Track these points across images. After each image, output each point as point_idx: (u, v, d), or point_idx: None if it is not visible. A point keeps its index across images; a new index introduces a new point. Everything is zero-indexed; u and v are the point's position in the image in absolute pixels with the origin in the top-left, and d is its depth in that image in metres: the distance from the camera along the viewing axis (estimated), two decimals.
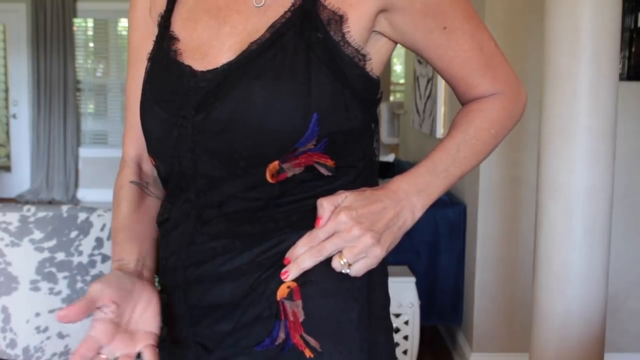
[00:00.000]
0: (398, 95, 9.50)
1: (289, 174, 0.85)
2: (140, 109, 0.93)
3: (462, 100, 0.97)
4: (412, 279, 2.91)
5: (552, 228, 2.11)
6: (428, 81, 4.06)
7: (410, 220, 0.88)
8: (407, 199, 0.87)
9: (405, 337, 2.91)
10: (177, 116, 0.86)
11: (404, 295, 2.88)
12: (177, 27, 0.93)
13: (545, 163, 2.12)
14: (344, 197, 0.85)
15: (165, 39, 0.93)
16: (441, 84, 3.73)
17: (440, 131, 3.75)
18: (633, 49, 3.00)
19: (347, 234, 0.83)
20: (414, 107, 4.62)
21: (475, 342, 3.13)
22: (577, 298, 2.09)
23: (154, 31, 0.96)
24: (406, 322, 2.90)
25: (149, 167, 1.02)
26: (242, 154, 0.84)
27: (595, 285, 2.10)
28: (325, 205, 0.84)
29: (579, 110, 2.04)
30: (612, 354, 2.86)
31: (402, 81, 6.78)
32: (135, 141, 1.01)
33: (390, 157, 4.76)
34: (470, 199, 3.20)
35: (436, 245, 3.21)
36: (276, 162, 0.84)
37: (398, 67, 9.32)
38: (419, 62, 4.41)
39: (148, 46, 0.96)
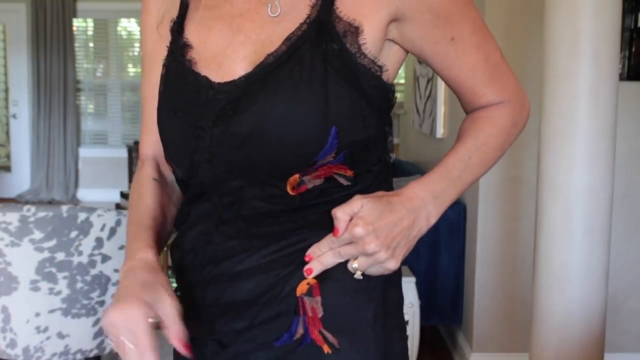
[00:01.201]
0: (398, 95, 9.50)
1: (309, 185, 0.86)
2: (157, 116, 0.93)
3: (467, 109, 0.98)
4: (412, 279, 2.91)
5: (552, 228, 2.11)
6: (428, 81, 4.06)
7: (425, 227, 0.88)
8: (424, 207, 0.87)
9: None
10: (195, 127, 0.87)
11: (404, 295, 2.88)
12: (190, 33, 0.93)
13: (545, 163, 2.12)
14: (360, 206, 0.84)
15: (178, 45, 0.93)
16: (441, 84, 3.73)
17: (440, 131, 3.74)
18: (633, 49, 3.00)
19: (363, 247, 0.84)
20: (414, 107, 4.62)
21: (475, 342, 3.13)
22: (577, 298, 2.09)
23: (167, 36, 0.96)
24: (406, 322, 2.90)
25: (166, 168, 1.02)
26: (261, 167, 0.84)
27: (595, 285, 2.10)
28: (339, 217, 0.84)
29: (579, 111, 2.04)
30: (612, 354, 2.86)
31: (402, 81, 6.78)
32: (152, 144, 1.02)
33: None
34: (470, 198, 3.20)
35: (436, 245, 3.21)
36: (296, 176, 0.85)
37: None
38: (419, 62, 4.41)
39: (162, 50, 0.97)
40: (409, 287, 2.90)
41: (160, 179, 1.01)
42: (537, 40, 2.79)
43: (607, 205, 2.10)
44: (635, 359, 3.14)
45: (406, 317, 2.88)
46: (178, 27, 0.94)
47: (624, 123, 2.94)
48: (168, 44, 0.95)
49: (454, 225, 3.23)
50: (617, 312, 3.09)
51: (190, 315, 0.94)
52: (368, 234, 0.83)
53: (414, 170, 4.14)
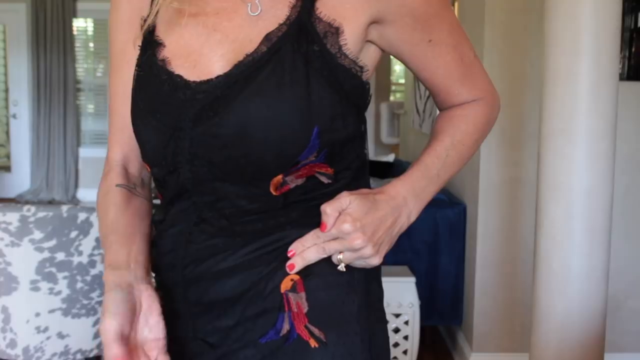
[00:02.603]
0: (398, 95, 9.50)
1: (292, 185, 0.87)
2: (132, 118, 0.92)
3: (441, 106, 1.01)
4: (412, 279, 2.91)
5: (552, 228, 2.11)
6: None
7: (406, 225, 0.92)
8: (405, 205, 0.91)
9: (405, 337, 2.91)
10: (174, 128, 0.86)
11: (404, 295, 2.88)
12: (162, 31, 0.92)
13: (545, 163, 2.12)
14: (348, 202, 0.86)
15: (150, 44, 0.91)
16: None
17: None
18: (633, 49, 3.00)
19: (350, 243, 0.86)
20: (414, 107, 4.62)
21: (475, 342, 3.13)
22: (577, 298, 2.09)
23: (138, 34, 0.94)
24: (406, 322, 2.90)
25: (135, 169, 1.01)
26: (244, 168, 0.84)
27: (596, 285, 2.10)
28: (329, 212, 0.86)
29: (579, 110, 2.04)
30: (612, 354, 2.86)
31: (402, 81, 6.78)
32: (122, 145, 1.00)
33: (390, 157, 4.76)
34: (470, 199, 3.20)
35: (436, 245, 3.21)
36: (280, 176, 0.85)
37: (398, 67, 9.31)
38: None
39: (132, 50, 0.95)
40: (409, 287, 2.90)
41: (127, 184, 0.98)
42: (537, 39, 2.79)
43: (608, 205, 2.10)
44: (636, 359, 3.14)
45: (406, 317, 2.88)
46: (149, 26, 0.93)
47: (624, 123, 2.94)
48: (139, 43, 0.93)
49: (454, 225, 3.23)
50: (617, 312, 3.09)
51: (173, 314, 0.93)
52: (356, 230, 0.85)
53: None
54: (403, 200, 0.90)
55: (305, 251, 0.87)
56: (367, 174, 0.99)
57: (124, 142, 0.99)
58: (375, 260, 0.88)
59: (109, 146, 1.02)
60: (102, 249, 0.93)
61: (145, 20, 0.94)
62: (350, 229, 0.85)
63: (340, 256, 0.87)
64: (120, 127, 0.99)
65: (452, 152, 0.96)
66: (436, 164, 0.94)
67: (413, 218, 0.92)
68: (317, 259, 0.87)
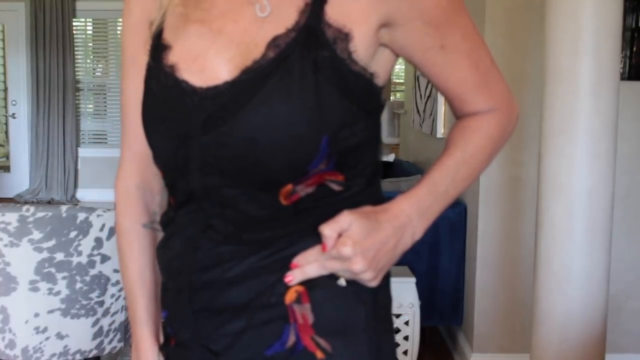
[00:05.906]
0: (398, 95, 9.51)
1: (302, 194, 0.85)
2: (143, 124, 0.91)
3: (456, 114, 0.98)
4: (412, 279, 2.90)
5: (553, 228, 2.10)
6: (428, 81, 4.05)
7: (409, 244, 0.89)
8: (409, 224, 0.88)
9: (406, 338, 2.91)
10: (183, 136, 0.85)
11: (404, 295, 2.88)
12: (169, 34, 0.91)
13: (546, 163, 2.12)
14: (348, 223, 0.83)
15: (158, 48, 0.90)
16: None
17: (440, 131, 3.74)
18: (634, 49, 2.99)
19: (349, 266, 0.83)
20: (414, 107, 4.62)
21: (475, 343, 3.12)
22: (578, 298, 2.09)
23: (147, 38, 0.94)
24: (406, 323, 2.89)
25: (150, 172, 1.01)
26: (253, 178, 0.83)
27: (596, 285, 2.10)
28: (327, 234, 0.83)
29: (580, 110, 2.04)
30: (613, 355, 2.85)
31: (402, 81, 6.78)
32: (136, 151, 1.01)
33: (390, 157, 4.76)
34: (470, 199, 3.19)
35: (436, 245, 3.21)
36: (289, 186, 0.84)
37: (398, 67, 9.31)
38: None
39: (142, 54, 0.94)
40: (409, 287, 2.90)
41: (150, 218, 1.01)
42: (538, 39, 2.78)
43: (608, 205, 2.09)
44: (637, 359, 3.14)
45: (406, 318, 2.88)
46: (157, 29, 0.92)
47: (625, 123, 2.94)
48: (149, 47, 0.92)
49: (454, 225, 3.23)
50: (618, 312, 3.09)
51: (177, 320, 0.93)
52: (356, 255, 0.82)
53: (414, 170, 4.14)
54: (407, 219, 0.87)
55: (306, 266, 0.85)
56: (379, 175, 0.96)
57: (137, 148, 1.00)
58: (374, 283, 0.86)
59: (122, 148, 1.03)
60: (125, 294, 1.00)
61: (152, 24, 0.93)
62: (351, 253, 0.82)
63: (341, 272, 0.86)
64: (131, 130, 1.00)
65: (462, 167, 0.92)
66: (445, 180, 0.91)
67: (417, 237, 0.89)
68: (317, 275, 0.86)
